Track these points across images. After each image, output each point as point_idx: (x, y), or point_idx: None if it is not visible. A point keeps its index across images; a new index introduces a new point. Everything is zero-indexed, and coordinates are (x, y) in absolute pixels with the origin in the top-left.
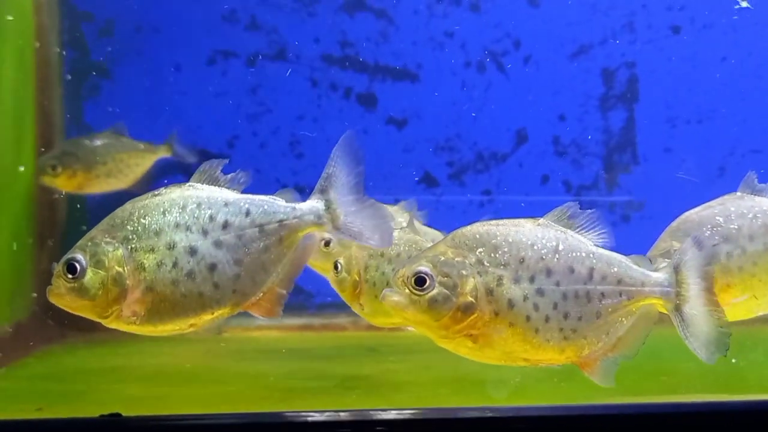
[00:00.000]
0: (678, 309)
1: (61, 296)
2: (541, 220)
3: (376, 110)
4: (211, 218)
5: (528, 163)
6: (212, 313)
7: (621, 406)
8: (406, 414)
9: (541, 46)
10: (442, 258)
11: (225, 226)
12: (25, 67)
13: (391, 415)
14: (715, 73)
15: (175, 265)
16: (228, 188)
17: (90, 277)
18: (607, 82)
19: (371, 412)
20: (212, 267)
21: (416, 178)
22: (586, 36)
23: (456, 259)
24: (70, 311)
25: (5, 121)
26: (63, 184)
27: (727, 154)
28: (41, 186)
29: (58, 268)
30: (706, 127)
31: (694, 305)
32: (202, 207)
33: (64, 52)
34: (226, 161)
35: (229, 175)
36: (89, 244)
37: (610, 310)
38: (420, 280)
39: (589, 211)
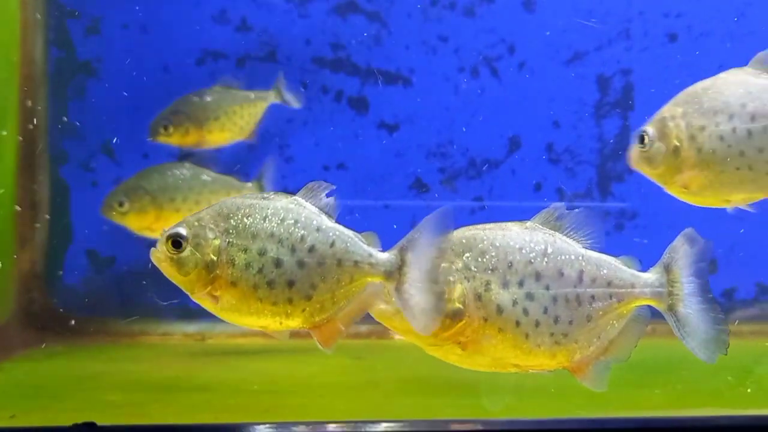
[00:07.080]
0: (672, 309)
1: (160, 261)
2: (529, 224)
3: (368, 114)
4: (302, 239)
5: (521, 170)
6: (280, 323)
7: (614, 420)
8: (395, 427)
9: (535, 51)
10: None
11: (311, 249)
12: (9, 64)
13: (381, 427)
14: None
15: (260, 270)
16: (326, 213)
17: (187, 255)
18: (602, 89)
19: (360, 424)
20: (291, 283)
21: (407, 184)
22: (581, 42)
23: (442, 265)
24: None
25: None
26: (178, 142)
27: None
28: (23, 187)
29: (165, 235)
30: None
31: (689, 304)
32: (298, 225)
33: (49, 50)
34: (333, 187)
35: (330, 199)
36: (196, 224)
37: (600, 313)
38: None
39: (577, 210)
